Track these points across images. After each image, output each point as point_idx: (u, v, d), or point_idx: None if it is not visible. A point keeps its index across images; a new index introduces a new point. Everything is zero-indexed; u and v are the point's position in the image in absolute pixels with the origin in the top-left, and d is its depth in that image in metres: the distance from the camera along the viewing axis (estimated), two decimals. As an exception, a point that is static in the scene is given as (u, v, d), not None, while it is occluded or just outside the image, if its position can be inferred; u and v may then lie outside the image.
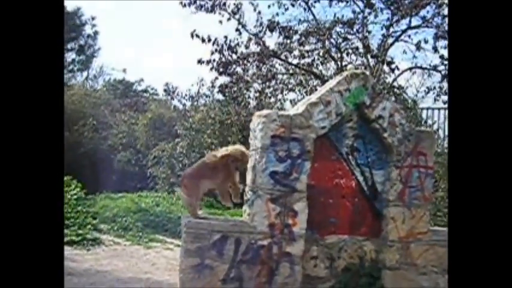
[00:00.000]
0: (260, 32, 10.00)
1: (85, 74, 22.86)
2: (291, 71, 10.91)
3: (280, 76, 10.95)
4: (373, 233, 5.61)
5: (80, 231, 8.06)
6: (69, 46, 13.80)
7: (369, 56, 9.82)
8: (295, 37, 9.88)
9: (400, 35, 10.24)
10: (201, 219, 5.16)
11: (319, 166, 5.44)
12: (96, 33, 13.68)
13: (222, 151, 5.45)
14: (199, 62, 10.03)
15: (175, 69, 44.57)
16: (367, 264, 5.56)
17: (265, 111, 5.37)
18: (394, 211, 5.52)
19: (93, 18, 13.68)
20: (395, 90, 10.61)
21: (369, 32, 10.39)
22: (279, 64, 10.84)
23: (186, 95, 16.09)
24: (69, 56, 13.84)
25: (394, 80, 10.43)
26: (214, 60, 10.02)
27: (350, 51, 10.07)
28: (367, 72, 5.89)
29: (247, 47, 10.05)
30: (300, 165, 5.22)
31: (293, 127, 5.21)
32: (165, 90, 16.38)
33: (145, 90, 24.31)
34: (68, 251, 7.22)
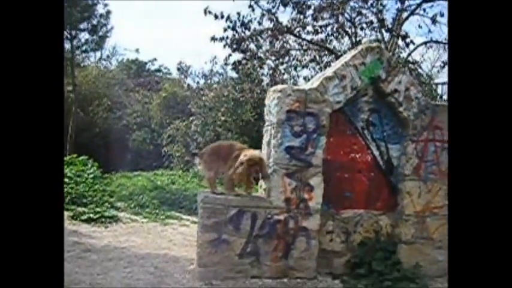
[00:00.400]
0: (273, 7, 9.90)
1: (98, 54, 23.01)
2: (304, 47, 10.81)
3: (293, 52, 10.87)
4: (389, 207, 5.61)
5: (98, 209, 8.15)
6: (81, 26, 13.79)
7: (383, 31, 9.68)
8: (309, 12, 9.77)
9: (415, 9, 10.07)
10: (218, 195, 5.20)
11: (335, 141, 5.43)
12: (108, 12, 13.72)
13: (241, 156, 5.34)
14: (213, 39, 9.99)
15: (188, 48, 44.38)
16: (382, 238, 5.58)
17: (280, 86, 5.35)
18: (410, 185, 5.50)
19: (104, -2, 13.79)
20: (410, 65, 10.46)
21: (384, 6, 10.24)
22: (293, 40, 10.74)
23: (199, 73, 16.07)
24: (83, 36, 13.90)
25: (409, 54, 10.29)
26: (227, 38, 9.98)
27: (364, 25, 9.94)
28: (382, 46, 5.81)
29: (260, 23, 9.98)
30: (316, 139, 5.21)
31: (308, 102, 5.19)
32: (178, 69, 16.38)
33: (159, 70, 24.40)
34: (86, 228, 7.34)
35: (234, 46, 10.17)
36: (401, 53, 10.61)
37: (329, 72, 5.42)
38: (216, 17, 9.72)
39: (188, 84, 16.81)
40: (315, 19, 9.84)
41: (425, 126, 5.51)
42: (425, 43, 10.79)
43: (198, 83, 16.20)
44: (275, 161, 5.17)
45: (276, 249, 5.15)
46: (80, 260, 5.59)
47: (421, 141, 5.52)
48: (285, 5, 9.73)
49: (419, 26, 10.13)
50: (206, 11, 9.50)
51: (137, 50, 23.60)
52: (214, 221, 5.03)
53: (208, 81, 15.91)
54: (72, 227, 7.27)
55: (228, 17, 9.83)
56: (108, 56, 23.64)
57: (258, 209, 5.12)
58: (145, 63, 24.51)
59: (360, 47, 5.53)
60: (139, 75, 21.68)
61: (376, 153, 5.55)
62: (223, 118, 14.67)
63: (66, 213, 7.94)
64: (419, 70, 11.34)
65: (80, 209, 8.12)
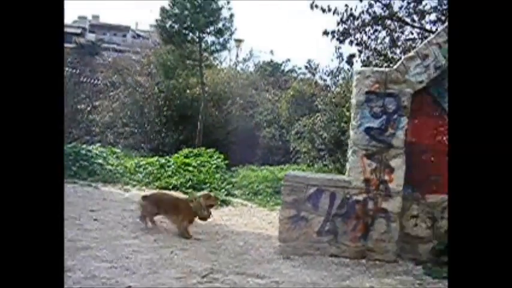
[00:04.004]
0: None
1: (230, 56, 24.48)
2: (415, 34, 10.41)
3: (410, 43, 10.52)
4: (481, 193, 5.30)
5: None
6: (208, 30, 15.01)
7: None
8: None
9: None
10: (297, 174, 5.41)
11: (420, 123, 5.30)
12: (232, 15, 14.66)
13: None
14: (325, 33, 10.13)
15: (317, 46, 44.43)
16: (474, 226, 5.28)
17: (360, 68, 5.39)
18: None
19: (228, 2, 14.79)
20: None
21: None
22: (409, 31, 10.42)
23: (326, 71, 16.24)
24: (209, 39, 15.09)
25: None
26: (339, 31, 10.04)
27: None
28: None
29: (370, 13, 9.88)
30: (396, 120, 5.16)
31: (388, 83, 5.16)
32: (306, 67, 16.70)
33: (293, 70, 25.10)
34: (197, 208, 8.01)
35: (345, 39, 10.21)
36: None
37: (412, 52, 5.31)
38: (323, 10, 9.85)
39: (315, 82, 17.09)
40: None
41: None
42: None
43: (325, 80, 16.39)
44: (354, 141, 5.23)
45: (354, 229, 5.20)
46: (181, 231, 6.19)
47: (518, 123, 5.12)
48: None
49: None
50: (312, 6, 9.69)
51: (271, 52, 24.72)
52: (293, 198, 5.25)
53: (335, 78, 15.99)
54: (185, 207, 7.98)
55: (336, 10, 9.90)
56: (244, 59, 25.11)
57: (337, 188, 5.22)
58: (280, 64, 25.45)
59: (446, 24, 5.33)
60: (274, 76, 22.54)
61: (467, 135, 5.28)
62: (347, 114, 14.65)
63: (183, 196, 8.74)
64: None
65: (196, 193, 8.84)
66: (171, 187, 9.35)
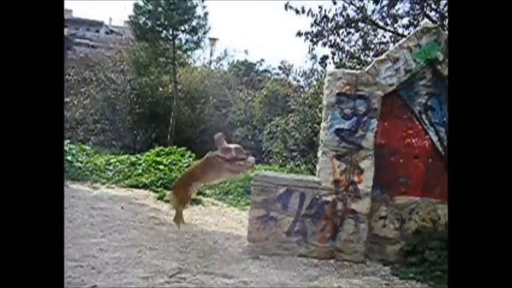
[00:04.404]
0: (353, 0, 9.83)
1: (204, 54, 24.41)
2: (388, 38, 10.57)
3: (383, 46, 10.66)
4: (448, 196, 5.39)
5: (182, 192, 8.78)
6: (182, 28, 14.93)
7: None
8: (385, 1, 9.55)
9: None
10: (267, 174, 5.41)
11: (390, 125, 5.37)
12: (206, 14, 14.62)
13: None
14: (299, 34, 10.17)
15: (290, 47, 44.53)
16: (440, 228, 5.38)
17: (331, 70, 5.43)
18: (471, 173, 5.24)
19: (202, 0, 14.74)
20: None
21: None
22: (382, 34, 10.55)
23: (300, 71, 16.32)
24: (183, 37, 15.03)
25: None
26: (312, 32, 10.09)
27: (447, 12, 9.41)
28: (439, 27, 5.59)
29: (343, 16, 9.97)
30: (366, 122, 5.20)
31: (359, 85, 5.20)
32: (280, 68, 16.74)
33: (267, 70, 25.15)
34: (167, 207, 7.90)
35: (318, 40, 10.27)
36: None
37: (383, 55, 5.37)
38: (297, 11, 9.89)
39: (289, 82, 17.17)
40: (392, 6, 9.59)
41: (489, 111, 5.21)
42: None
43: (298, 80, 16.47)
44: (325, 142, 5.25)
45: (323, 229, 5.23)
46: (149, 230, 6.13)
47: (484, 127, 5.22)
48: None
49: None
50: (287, 6, 9.71)
51: (246, 52, 24.77)
52: (263, 198, 5.25)
53: (308, 78, 16.10)
54: (155, 205, 7.92)
55: (310, 11, 9.95)
56: (219, 58, 25.06)
57: (307, 189, 5.24)
58: (254, 64, 25.50)
59: (417, 29, 5.41)
60: (248, 76, 22.55)
61: (435, 138, 5.37)
62: (320, 114, 14.77)
63: (153, 194, 8.68)
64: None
65: (166, 191, 8.76)
66: (141, 185, 9.24)
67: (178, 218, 6.09)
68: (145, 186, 9.24)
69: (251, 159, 5.87)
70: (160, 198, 8.42)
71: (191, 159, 12.06)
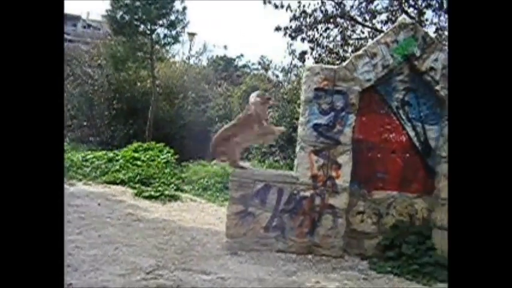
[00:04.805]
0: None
1: (183, 49, 24.22)
2: (366, 34, 10.62)
3: (362, 42, 10.71)
4: (425, 190, 5.45)
5: (160, 188, 8.69)
6: (160, 22, 14.78)
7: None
8: None
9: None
10: (244, 169, 5.39)
11: (367, 120, 5.39)
12: (184, 8, 14.47)
13: None
14: (277, 29, 10.16)
15: (269, 42, 44.41)
16: (417, 222, 5.43)
17: (309, 65, 5.42)
18: (447, 168, 5.28)
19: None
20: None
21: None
22: (360, 30, 10.60)
23: (279, 67, 16.31)
24: (161, 32, 14.86)
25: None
26: (291, 28, 10.09)
27: (426, 8, 9.51)
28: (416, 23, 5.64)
29: (322, 11, 9.98)
30: (344, 118, 5.22)
31: (337, 80, 5.21)
32: (259, 63, 16.71)
33: (246, 65, 25.12)
34: (145, 204, 7.85)
35: (298, 35, 10.27)
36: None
37: (361, 50, 5.38)
38: (276, 7, 9.86)
39: (268, 78, 17.14)
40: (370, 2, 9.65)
41: (465, 106, 5.26)
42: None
43: (277, 76, 16.45)
44: (302, 138, 5.25)
45: (301, 225, 5.23)
46: (126, 227, 6.05)
47: (460, 122, 5.27)
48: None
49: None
50: (265, 1, 9.68)
51: (225, 47, 24.68)
52: (241, 194, 5.23)
53: (288, 74, 16.09)
54: (133, 202, 7.82)
55: (289, 6, 9.93)
56: (198, 53, 24.96)
57: (285, 184, 5.23)
58: (233, 59, 25.45)
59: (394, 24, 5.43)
60: (227, 71, 22.48)
61: (412, 133, 5.41)
62: (299, 110, 14.75)
63: (131, 191, 8.58)
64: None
65: (144, 188, 8.69)
66: (118, 182, 9.13)
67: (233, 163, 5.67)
68: (122, 183, 9.13)
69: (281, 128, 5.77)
70: (138, 194, 8.34)
71: (169, 155, 11.98)
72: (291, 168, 5.76)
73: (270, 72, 17.07)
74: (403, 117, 5.40)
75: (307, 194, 5.22)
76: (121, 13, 15.22)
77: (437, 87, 5.25)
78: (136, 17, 15.26)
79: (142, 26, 15.51)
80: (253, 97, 5.70)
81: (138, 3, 15.03)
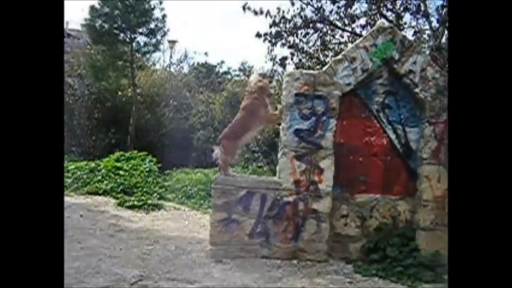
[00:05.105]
0: (311, 1, 9.88)
1: (164, 57, 24.07)
2: (346, 38, 10.66)
3: (342, 46, 10.75)
4: (407, 192, 5.49)
5: (143, 197, 8.62)
6: (140, 30, 14.73)
7: (433, 19, 9.27)
8: (342, 2, 9.62)
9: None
10: (228, 176, 5.37)
11: (348, 124, 5.41)
12: (164, 16, 14.45)
13: None
14: (258, 35, 10.14)
15: (250, 48, 44.35)
16: (401, 224, 5.47)
17: (289, 71, 5.44)
18: (428, 169, 5.35)
19: (161, 3, 14.56)
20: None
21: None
22: (340, 35, 10.63)
23: (260, 73, 16.28)
24: (142, 40, 14.81)
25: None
26: (271, 33, 10.08)
27: (404, 12, 9.57)
28: (394, 27, 5.69)
29: (301, 17, 9.99)
30: (325, 122, 5.23)
31: (317, 85, 5.23)
32: (240, 69, 16.68)
33: (227, 72, 25.10)
34: (128, 213, 7.79)
35: (278, 41, 10.26)
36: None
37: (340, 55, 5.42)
38: (255, 13, 9.85)
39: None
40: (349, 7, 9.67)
41: (444, 107, 5.32)
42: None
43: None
44: (284, 143, 5.26)
45: (285, 230, 5.23)
46: (109, 237, 5.99)
47: (440, 123, 5.34)
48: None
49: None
50: (245, 7, 9.67)
51: (206, 54, 24.63)
52: (224, 201, 5.21)
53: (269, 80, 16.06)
54: (116, 212, 7.75)
55: (268, 12, 9.92)
56: (179, 61, 24.85)
57: (268, 190, 5.23)
58: (214, 66, 25.40)
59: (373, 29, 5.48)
60: (208, 78, 22.43)
61: (393, 136, 5.45)
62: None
63: (113, 201, 8.50)
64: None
65: (127, 197, 8.62)
66: (101, 192, 9.04)
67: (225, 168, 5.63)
68: (105, 193, 9.05)
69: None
70: (120, 204, 8.26)
71: (152, 163, 11.91)
72: (275, 174, 5.75)
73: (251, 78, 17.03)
74: (384, 120, 5.44)
75: (291, 199, 5.22)
76: (100, 22, 15.11)
77: (417, 90, 5.31)
78: (115, 25, 15.17)
79: (122, 35, 15.41)
80: (254, 81, 5.69)
81: (117, 12, 14.94)
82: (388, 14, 9.58)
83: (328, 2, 10.14)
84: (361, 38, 5.43)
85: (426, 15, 9.12)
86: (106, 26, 15.09)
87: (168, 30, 15.34)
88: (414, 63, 5.28)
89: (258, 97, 5.48)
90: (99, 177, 9.93)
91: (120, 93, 17.37)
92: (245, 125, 5.60)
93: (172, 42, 22.11)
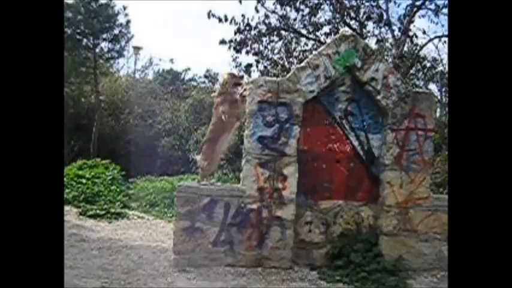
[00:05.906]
0: (275, 8, 9.98)
1: (128, 64, 23.72)
2: (310, 46, 10.78)
3: (306, 54, 10.85)
4: (370, 198, 5.54)
5: (105, 206, 8.45)
6: (104, 36, 14.52)
7: (395, 27, 9.49)
8: (307, 10, 9.76)
9: (423, 3, 9.73)
10: (190, 184, 5.31)
11: (311, 131, 5.44)
12: (128, 22, 14.31)
13: None
14: (222, 42, 10.15)
15: (215, 55, 44.28)
16: (364, 230, 5.51)
17: (252, 78, 5.44)
18: (390, 175, 5.41)
19: (125, 8, 14.41)
20: (424, 62, 10.20)
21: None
22: (304, 42, 10.74)
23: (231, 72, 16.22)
24: (105, 46, 14.58)
25: (421, 49, 9.99)
26: (236, 40, 10.10)
27: (367, 21, 9.77)
28: (356, 35, 5.77)
29: (266, 24, 10.07)
30: (289, 129, 5.24)
31: (280, 92, 5.24)
32: (205, 76, 16.60)
33: (193, 79, 24.95)
34: (91, 223, 7.62)
35: (241, 48, 10.30)
36: (416, 49, 10.35)
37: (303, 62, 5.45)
38: (220, 20, 9.86)
39: (215, 91, 16.97)
40: (313, 14, 9.81)
41: (405, 114, 5.42)
42: (438, 37, 10.28)
43: (225, 89, 16.33)
44: (248, 150, 5.24)
45: (249, 238, 5.19)
46: (70, 248, 5.81)
47: (401, 130, 5.43)
48: (282, 4, 9.77)
49: (432, 21, 9.75)
50: (210, 14, 9.67)
51: (171, 60, 24.45)
52: (187, 210, 5.14)
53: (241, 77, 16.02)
54: (77, 221, 7.59)
55: (233, 19, 9.95)
56: (144, 67, 24.59)
57: (231, 198, 5.19)
58: (180, 73, 25.23)
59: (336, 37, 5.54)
60: (174, 85, 22.23)
61: (356, 143, 5.50)
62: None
63: (75, 210, 8.30)
64: (440, 67, 11.00)
65: (89, 206, 8.43)
66: (62, 201, 8.82)
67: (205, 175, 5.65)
68: (66, 202, 8.80)
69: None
70: (82, 213, 8.07)
71: (116, 171, 11.69)
72: (240, 181, 5.72)
73: (216, 85, 16.98)
74: (347, 127, 5.49)
75: (255, 206, 5.19)
76: (62, 27, 14.82)
77: (379, 97, 5.38)
78: (78, 30, 14.92)
79: (85, 40, 15.16)
80: (225, 77, 5.76)
81: (80, 17, 14.69)
82: (352, 22, 9.74)
83: (293, 10, 10.24)
84: (324, 46, 5.47)
85: (389, 24, 9.34)
86: (69, 31, 14.80)
87: (132, 36, 15.21)
88: (376, 70, 5.35)
89: (228, 91, 5.55)
90: (61, 186, 9.69)
91: (83, 99, 17.06)
92: (220, 126, 5.61)
93: (137, 49, 21.83)
